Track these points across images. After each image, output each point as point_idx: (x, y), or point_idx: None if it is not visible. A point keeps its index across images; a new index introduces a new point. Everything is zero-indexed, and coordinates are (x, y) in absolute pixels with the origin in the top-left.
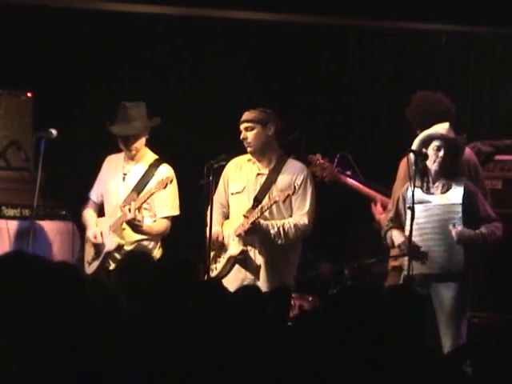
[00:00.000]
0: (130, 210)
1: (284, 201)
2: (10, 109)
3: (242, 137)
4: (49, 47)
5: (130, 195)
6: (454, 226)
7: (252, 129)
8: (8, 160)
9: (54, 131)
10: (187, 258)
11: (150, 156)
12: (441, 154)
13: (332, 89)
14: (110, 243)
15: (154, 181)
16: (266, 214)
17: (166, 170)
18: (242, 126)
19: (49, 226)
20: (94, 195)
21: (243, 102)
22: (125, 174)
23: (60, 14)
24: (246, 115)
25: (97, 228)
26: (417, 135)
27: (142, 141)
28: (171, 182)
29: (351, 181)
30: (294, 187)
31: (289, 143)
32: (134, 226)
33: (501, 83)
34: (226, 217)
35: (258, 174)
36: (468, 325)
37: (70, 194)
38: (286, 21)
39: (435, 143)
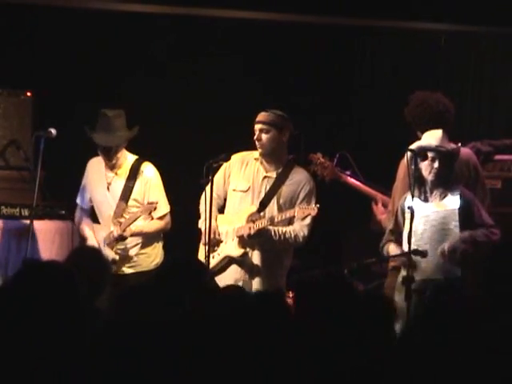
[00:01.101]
0: (120, 236)
1: (303, 219)
2: (9, 108)
3: (256, 137)
4: (49, 47)
5: (119, 205)
6: (442, 253)
7: (267, 131)
8: (7, 159)
9: (53, 131)
10: (190, 260)
11: (130, 158)
12: (436, 165)
13: (332, 89)
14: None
15: (139, 185)
16: (268, 214)
17: (148, 172)
18: (258, 127)
19: (48, 226)
20: (84, 202)
21: (243, 101)
22: (109, 184)
23: (60, 14)
24: (264, 116)
25: (95, 240)
26: (417, 135)
27: (122, 149)
28: (155, 209)
29: (352, 180)
30: (318, 209)
31: (288, 143)
32: (124, 239)
33: (501, 83)
34: (220, 208)
35: (265, 177)
36: None
37: (69, 193)
38: (286, 20)
39: (429, 154)
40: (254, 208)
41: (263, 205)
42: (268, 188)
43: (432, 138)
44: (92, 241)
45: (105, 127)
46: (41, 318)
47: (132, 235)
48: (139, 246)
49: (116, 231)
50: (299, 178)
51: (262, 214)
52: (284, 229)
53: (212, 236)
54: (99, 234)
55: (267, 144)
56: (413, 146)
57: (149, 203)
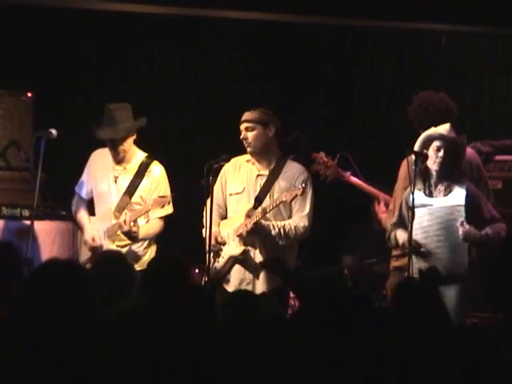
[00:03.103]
0: (125, 222)
1: (291, 201)
2: (9, 109)
3: (242, 137)
4: (49, 47)
5: (122, 199)
6: (461, 224)
7: (253, 129)
8: (8, 160)
9: (53, 131)
10: (179, 257)
11: (140, 155)
12: (440, 154)
13: (332, 89)
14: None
15: (146, 182)
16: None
17: (157, 171)
18: (243, 126)
19: (49, 227)
20: (83, 192)
21: (244, 101)
22: (116, 177)
23: (60, 15)
24: (247, 115)
25: (94, 230)
26: (419, 135)
27: (130, 142)
28: (169, 203)
29: (354, 179)
30: (303, 188)
31: (289, 143)
32: (131, 236)
33: (501, 84)
34: (223, 218)
35: (258, 175)
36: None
37: (69, 194)
38: (286, 21)
39: (435, 143)
40: (250, 205)
41: (259, 200)
42: (262, 184)
43: (440, 128)
44: (87, 230)
45: (108, 121)
46: (57, 316)
47: (138, 240)
48: (142, 245)
49: (123, 223)
50: (293, 172)
51: (258, 209)
52: (282, 222)
53: (214, 242)
54: (95, 226)
55: (254, 141)
56: (421, 136)
57: (160, 197)
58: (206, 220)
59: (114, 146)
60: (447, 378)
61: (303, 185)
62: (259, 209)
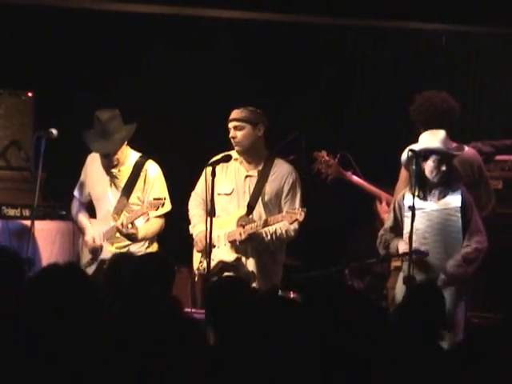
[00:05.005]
0: (122, 225)
1: (291, 223)
2: (10, 108)
3: (230, 135)
4: (49, 47)
5: (119, 201)
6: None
7: (241, 128)
8: (8, 160)
9: (54, 131)
10: (165, 258)
11: (133, 155)
12: (443, 168)
13: (332, 89)
14: (105, 252)
15: (141, 182)
16: (256, 215)
17: (152, 170)
18: (231, 125)
19: (49, 226)
20: (81, 195)
21: (244, 101)
22: (112, 180)
23: (60, 14)
24: (236, 113)
25: (94, 231)
26: (421, 134)
27: (122, 149)
28: (163, 205)
29: (356, 178)
30: (304, 213)
31: (289, 143)
32: (131, 238)
33: (501, 83)
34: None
35: (247, 176)
36: (468, 325)
37: (70, 193)
38: (287, 21)
39: (436, 157)
40: (243, 211)
41: (250, 207)
42: (252, 188)
43: (435, 138)
44: (88, 231)
45: (100, 133)
46: (58, 319)
47: (138, 240)
48: (143, 245)
49: (121, 226)
50: (281, 172)
51: (250, 216)
52: (274, 227)
53: (204, 241)
54: (96, 229)
55: (242, 141)
56: (417, 148)
57: (155, 199)
58: (206, 217)
59: (108, 157)
60: (448, 378)
61: (304, 210)
62: (251, 216)
